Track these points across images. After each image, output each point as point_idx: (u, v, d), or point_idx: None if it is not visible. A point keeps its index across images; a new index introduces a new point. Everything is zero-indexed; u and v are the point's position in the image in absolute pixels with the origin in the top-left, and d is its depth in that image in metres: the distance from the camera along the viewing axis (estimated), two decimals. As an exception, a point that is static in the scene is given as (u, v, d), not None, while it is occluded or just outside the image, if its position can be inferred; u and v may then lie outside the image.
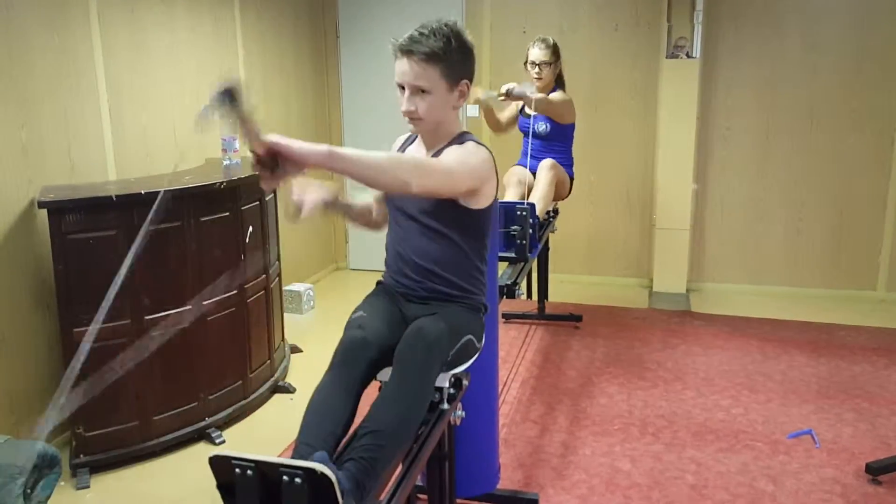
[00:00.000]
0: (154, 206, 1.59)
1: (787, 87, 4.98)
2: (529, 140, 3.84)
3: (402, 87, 1.81)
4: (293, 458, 1.51)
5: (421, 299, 1.91)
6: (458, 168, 1.75)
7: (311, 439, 1.58)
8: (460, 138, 1.90)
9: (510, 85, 3.55)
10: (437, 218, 1.88)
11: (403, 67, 1.77)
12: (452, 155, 1.81)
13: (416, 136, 2.01)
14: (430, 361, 1.69)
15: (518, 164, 4.04)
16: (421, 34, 1.75)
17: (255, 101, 4.58)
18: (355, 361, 1.73)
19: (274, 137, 1.40)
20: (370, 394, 1.72)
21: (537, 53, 3.81)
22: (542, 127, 3.90)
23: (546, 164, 3.77)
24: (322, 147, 1.44)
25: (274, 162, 1.42)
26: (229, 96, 1.37)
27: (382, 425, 1.57)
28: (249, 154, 1.45)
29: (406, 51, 1.76)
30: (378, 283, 2.05)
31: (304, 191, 1.82)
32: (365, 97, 5.65)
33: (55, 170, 3.09)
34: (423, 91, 1.78)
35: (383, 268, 2.05)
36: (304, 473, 1.28)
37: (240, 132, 1.42)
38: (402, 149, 2.06)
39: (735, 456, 3.01)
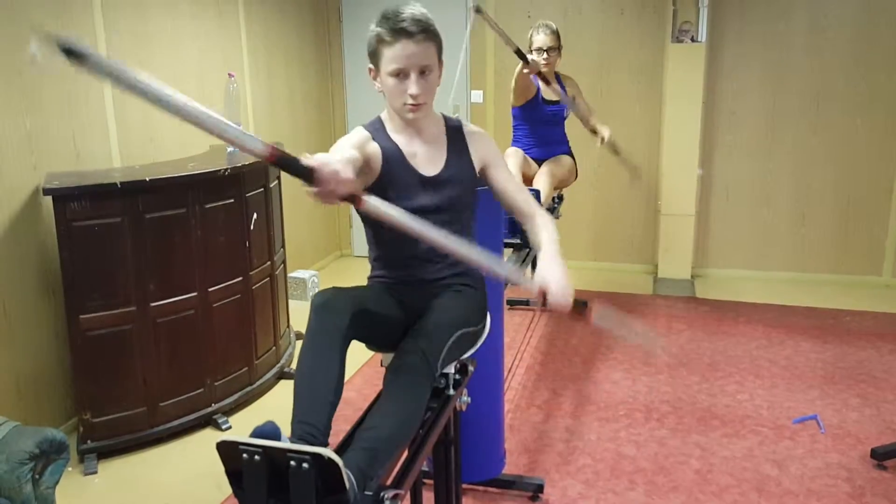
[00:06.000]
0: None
1: (794, 70, 4.94)
2: (534, 130, 3.83)
3: (401, 74, 1.74)
4: (291, 435, 1.51)
5: (427, 285, 1.90)
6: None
7: (307, 416, 1.57)
8: (457, 130, 1.91)
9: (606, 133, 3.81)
10: (459, 202, 1.88)
11: (409, 49, 1.71)
12: (505, 166, 1.97)
13: (380, 126, 1.92)
14: (418, 379, 1.66)
15: (516, 146, 4.01)
16: (410, 14, 1.70)
17: (260, 85, 4.57)
18: (334, 319, 1.67)
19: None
20: (370, 377, 1.72)
21: (544, 39, 3.78)
22: (566, 114, 3.91)
23: (553, 162, 3.76)
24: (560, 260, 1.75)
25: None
26: None
27: (381, 423, 1.57)
28: None
29: (408, 32, 1.70)
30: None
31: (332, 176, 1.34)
32: (367, 81, 5.58)
33: (60, 157, 3.09)
34: (423, 72, 1.74)
35: None
36: (312, 459, 1.29)
37: None
38: (377, 132, 1.91)
39: (740, 441, 3.01)
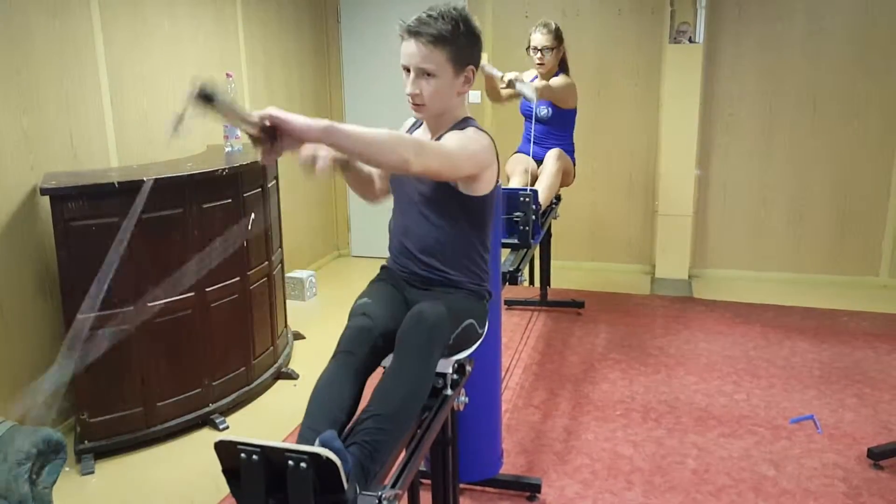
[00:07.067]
0: (139, 197, 1.60)
1: (791, 72, 4.95)
2: (532, 124, 3.83)
3: (408, 70, 1.79)
4: (298, 443, 1.52)
5: (425, 285, 1.91)
6: (459, 152, 1.74)
7: (315, 425, 1.59)
8: (462, 123, 1.89)
9: (512, 75, 3.49)
10: (438, 205, 1.87)
11: (410, 49, 1.76)
12: (453, 139, 1.80)
13: (422, 122, 2.00)
14: (431, 345, 1.69)
15: (520, 152, 4.03)
16: (430, 16, 1.74)
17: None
18: (360, 349, 1.74)
19: (272, 111, 1.41)
20: (374, 382, 1.72)
21: (539, 38, 3.79)
22: (543, 111, 3.89)
23: (553, 154, 3.76)
24: (321, 122, 1.43)
25: (272, 135, 1.42)
26: (204, 97, 1.34)
27: (385, 409, 1.58)
28: (247, 135, 1.45)
29: (414, 32, 1.74)
30: (382, 267, 2.04)
31: (317, 147, 1.65)
32: (366, 81, 5.63)
33: (57, 156, 3.09)
34: (428, 74, 1.77)
35: (386, 254, 2.05)
36: (310, 458, 1.29)
37: (229, 122, 1.42)
38: (410, 132, 2.02)
39: (737, 441, 3.02)
